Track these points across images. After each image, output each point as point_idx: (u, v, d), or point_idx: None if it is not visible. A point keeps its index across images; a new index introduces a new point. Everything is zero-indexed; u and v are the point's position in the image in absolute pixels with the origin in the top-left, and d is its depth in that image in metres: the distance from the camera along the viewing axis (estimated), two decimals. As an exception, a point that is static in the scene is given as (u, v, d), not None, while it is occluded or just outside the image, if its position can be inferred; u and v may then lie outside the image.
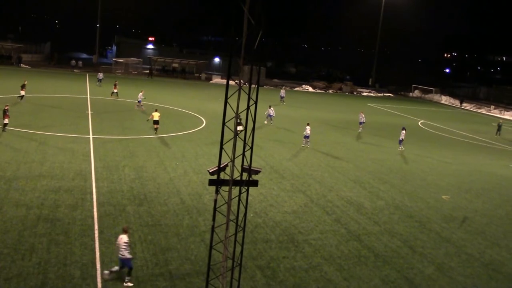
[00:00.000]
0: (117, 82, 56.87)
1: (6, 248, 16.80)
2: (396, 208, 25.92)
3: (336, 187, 28.38)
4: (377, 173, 32.52)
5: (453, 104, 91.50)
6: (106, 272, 15.69)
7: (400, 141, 40.83)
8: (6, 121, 33.19)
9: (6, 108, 33.68)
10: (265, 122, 46.01)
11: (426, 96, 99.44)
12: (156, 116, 37.47)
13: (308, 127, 38.63)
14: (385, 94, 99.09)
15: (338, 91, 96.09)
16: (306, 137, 38.54)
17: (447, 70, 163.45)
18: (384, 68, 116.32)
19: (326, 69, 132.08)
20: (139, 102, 48.49)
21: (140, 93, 48.84)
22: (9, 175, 24.02)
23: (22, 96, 45.06)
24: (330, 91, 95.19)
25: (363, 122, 49.32)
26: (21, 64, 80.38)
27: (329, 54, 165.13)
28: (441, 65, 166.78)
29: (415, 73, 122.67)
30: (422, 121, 62.54)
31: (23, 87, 45.37)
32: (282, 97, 65.03)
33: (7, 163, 25.77)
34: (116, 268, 15.78)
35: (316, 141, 41.47)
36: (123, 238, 15.76)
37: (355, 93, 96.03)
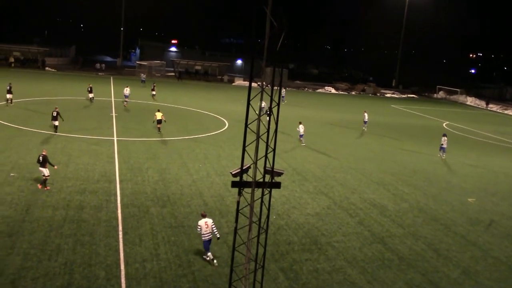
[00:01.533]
0: (155, 84, 59.80)
1: (33, 249, 17.11)
2: (420, 210, 25.60)
3: (359, 189, 28.16)
4: (400, 175, 32.18)
5: (478, 105, 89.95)
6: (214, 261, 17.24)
7: (442, 148, 38.77)
8: (56, 123, 34.34)
9: (56, 110, 34.70)
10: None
11: (451, 97, 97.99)
12: (159, 116, 38.27)
13: (301, 126, 39.37)
14: (408, 95, 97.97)
15: (361, 93, 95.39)
16: (301, 135, 39.29)
17: (473, 71, 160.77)
18: (408, 69, 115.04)
19: (348, 71, 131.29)
20: (125, 97, 49.97)
21: (126, 88, 50.54)
22: (36, 177, 24.45)
23: (91, 98, 49.35)
24: (353, 93, 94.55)
25: (367, 121, 49.20)
26: (46, 68, 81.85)
27: (352, 55, 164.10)
28: (466, 65, 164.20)
29: (439, 74, 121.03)
30: (447, 122, 61.66)
31: (90, 90, 49.46)
32: (282, 97, 62.04)
33: (34, 165, 26.19)
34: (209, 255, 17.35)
35: (338, 143, 41.27)
36: (209, 221, 17.37)
37: (378, 94, 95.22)
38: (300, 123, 39.75)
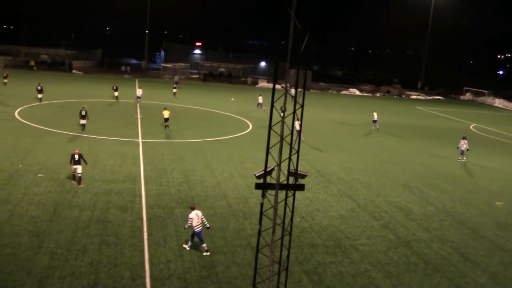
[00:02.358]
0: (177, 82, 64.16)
1: (60, 248, 17.39)
2: (446, 214, 25.19)
3: (384, 192, 27.87)
4: (426, 178, 31.74)
5: (507, 107, 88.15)
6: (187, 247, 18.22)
7: (460, 150, 37.77)
8: (83, 121, 36.06)
9: (84, 109, 36.43)
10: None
11: (478, 99, 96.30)
12: (166, 114, 39.66)
13: (296, 122, 38.69)
14: (434, 97, 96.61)
15: (386, 94, 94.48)
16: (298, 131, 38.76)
17: (501, 72, 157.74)
18: (434, 70, 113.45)
19: (373, 72, 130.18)
20: (138, 98, 52.14)
21: (139, 90, 53.16)
22: (62, 178, 24.87)
23: (116, 97, 52.31)
24: (378, 94, 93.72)
25: (376, 120, 49.11)
26: (73, 71, 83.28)
27: (376, 57, 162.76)
28: (494, 66, 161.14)
29: (466, 75, 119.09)
30: (474, 124, 60.61)
31: (116, 89, 52.72)
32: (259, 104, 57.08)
33: (61, 166, 26.68)
34: (190, 243, 18.27)
35: (362, 145, 40.95)
36: (199, 213, 18.15)
37: (403, 96, 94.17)
38: (298, 119, 39.28)
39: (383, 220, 23.39)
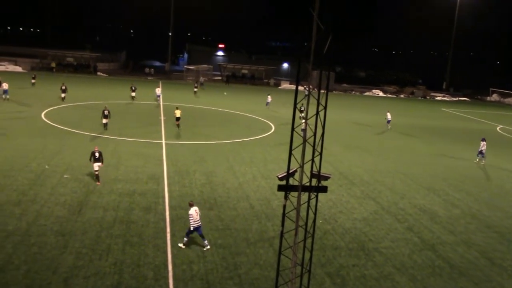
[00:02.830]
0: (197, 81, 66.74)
1: (85, 248, 17.62)
2: (472, 217, 24.77)
3: (408, 194, 27.54)
4: (451, 180, 31.26)
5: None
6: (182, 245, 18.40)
7: (480, 152, 37.03)
8: (106, 121, 37.33)
9: (106, 109, 37.78)
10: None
11: (505, 100, 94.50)
12: (178, 113, 40.60)
13: (302, 118, 40.18)
14: (460, 98, 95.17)
15: (410, 96, 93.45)
16: (303, 130, 39.11)
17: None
18: (459, 71, 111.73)
19: (397, 73, 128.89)
20: (158, 96, 54.95)
21: (158, 89, 56.21)
22: (87, 179, 25.21)
23: (133, 97, 54.12)
24: (402, 96, 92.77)
25: (390, 120, 49.54)
26: (98, 73, 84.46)
27: (400, 58, 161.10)
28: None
29: (493, 76, 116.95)
30: (501, 126, 59.50)
31: (133, 89, 54.61)
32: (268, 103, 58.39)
33: (86, 167, 27.04)
34: (186, 240, 18.49)
35: (386, 147, 40.58)
36: (197, 209, 18.51)
37: (428, 97, 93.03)
38: (301, 117, 40.84)
39: (407, 223, 23.11)
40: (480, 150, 37.03)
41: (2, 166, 26.11)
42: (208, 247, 18.46)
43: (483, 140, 37.51)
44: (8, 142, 31.11)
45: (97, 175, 24.76)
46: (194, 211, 18.35)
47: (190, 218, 18.26)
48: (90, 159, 24.96)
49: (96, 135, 35.30)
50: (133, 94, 54.60)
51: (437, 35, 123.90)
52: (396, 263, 18.75)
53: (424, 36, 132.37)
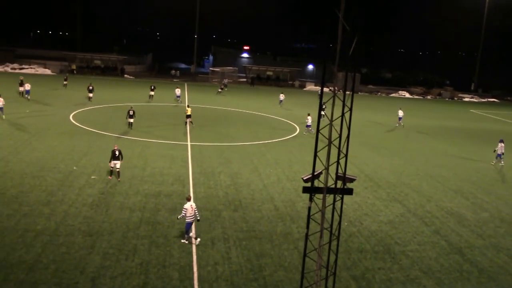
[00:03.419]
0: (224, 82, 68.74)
1: (112, 248, 17.86)
2: (502, 220, 24.25)
3: (435, 197, 27.14)
4: (480, 183, 30.68)
5: None
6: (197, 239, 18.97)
7: (499, 155, 36.08)
8: (131, 120, 38.93)
9: (132, 109, 39.53)
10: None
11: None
12: (189, 111, 42.06)
13: (309, 117, 42.38)
14: (489, 99, 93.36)
15: (437, 97, 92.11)
16: (308, 126, 42.51)
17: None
18: (488, 71, 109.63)
19: (424, 74, 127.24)
20: (178, 97, 56.63)
21: (178, 89, 57.82)
22: (114, 180, 25.55)
23: (151, 96, 56.03)
24: (429, 97, 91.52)
25: (401, 118, 50.63)
26: (125, 75, 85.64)
27: (427, 58, 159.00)
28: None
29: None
30: (532, 127, 58.13)
31: (152, 89, 56.47)
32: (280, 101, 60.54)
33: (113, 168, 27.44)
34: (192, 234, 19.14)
35: (413, 149, 40.06)
36: (193, 205, 19.10)
37: (455, 98, 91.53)
38: (308, 114, 42.84)
39: (434, 226, 22.77)
40: (498, 152, 36.03)
41: (33, 167, 26.68)
42: (199, 239, 18.99)
43: (501, 141, 36.59)
44: (39, 143, 31.76)
45: (118, 172, 25.59)
46: (189, 206, 18.95)
47: (183, 212, 18.90)
48: (110, 160, 25.69)
49: (123, 136, 35.77)
50: (152, 93, 56.34)
51: (465, 35, 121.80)
52: (423, 267, 18.48)
53: (452, 36, 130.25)
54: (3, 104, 39.71)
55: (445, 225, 22.98)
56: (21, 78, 53.00)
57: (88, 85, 52.50)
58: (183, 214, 18.89)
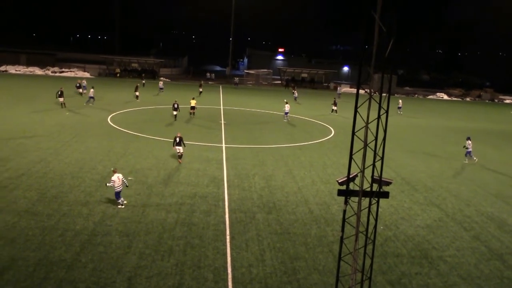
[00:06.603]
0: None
1: (148, 249, 18.11)
2: (545, 226, 23.44)
3: (474, 201, 26.46)
4: (522, 188, 29.75)
5: None
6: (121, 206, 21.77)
7: (468, 153, 35.60)
8: (175, 113, 44.23)
9: (176, 102, 44.76)
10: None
11: None
12: (193, 103, 46.87)
13: (287, 105, 48.71)
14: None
15: (477, 99, 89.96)
16: (286, 113, 48.51)
17: None
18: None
19: (463, 76, 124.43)
20: (200, 92, 64.26)
21: (200, 88, 66.87)
22: (150, 181, 25.93)
23: (200, 93, 64.57)
24: (468, 99, 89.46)
25: (401, 107, 54.25)
26: (161, 78, 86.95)
27: (466, 59, 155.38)
28: None
29: None
30: None
31: (161, 83, 64.04)
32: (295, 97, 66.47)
33: (149, 170, 27.86)
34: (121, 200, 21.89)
35: (451, 151, 39.20)
36: (120, 176, 21.76)
37: (496, 100, 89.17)
38: (286, 102, 49.76)
39: (474, 231, 22.20)
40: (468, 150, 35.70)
41: (73, 168, 27.34)
42: (124, 205, 21.90)
43: (468, 139, 36.11)
44: (79, 145, 32.54)
45: (180, 155, 29.75)
46: (117, 178, 21.53)
47: (111, 183, 21.52)
48: (173, 144, 29.81)
49: (159, 139, 36.27)
50: (200, 89, 66.54)
51: (505, 35, 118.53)
52: (462, 273, 18.04)
53: (492, 36, 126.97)
54: (94, 95, 50.73)
55: (485, 230, 22.38)
56: (79, 82, 59.92)
57: (136, 84, 60.10)
58: (111, 185, 21.57)
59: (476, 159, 36.15)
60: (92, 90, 51.28)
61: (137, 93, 56.49)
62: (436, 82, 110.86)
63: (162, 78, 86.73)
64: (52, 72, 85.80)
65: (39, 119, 40.41)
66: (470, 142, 35.85)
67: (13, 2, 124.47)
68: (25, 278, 15.36)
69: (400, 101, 58.56)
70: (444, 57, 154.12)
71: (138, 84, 61.15)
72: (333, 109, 56.12)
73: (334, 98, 59.91)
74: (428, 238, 21.04)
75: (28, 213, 20.54)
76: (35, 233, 18.64)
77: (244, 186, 26.32)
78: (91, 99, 50.45)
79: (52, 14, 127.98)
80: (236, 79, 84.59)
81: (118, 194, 21.83)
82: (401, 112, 57.09)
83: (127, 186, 22.65)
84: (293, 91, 67.09)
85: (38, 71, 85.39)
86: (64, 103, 46.92)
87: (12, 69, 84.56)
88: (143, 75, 75.59)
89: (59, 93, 46.91)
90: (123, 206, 21.86)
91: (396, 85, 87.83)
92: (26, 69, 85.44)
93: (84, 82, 60.33)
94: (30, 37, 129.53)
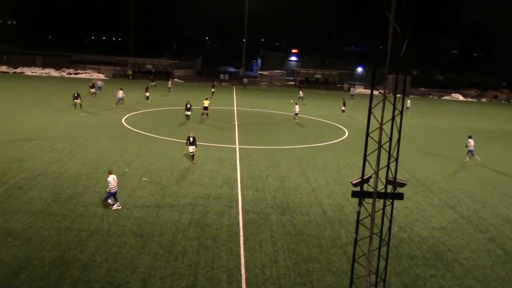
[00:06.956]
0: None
1: (162, 249, 18.20)
2: None
3: (490, 203, 26.17)
4: (539, 189, 29.35)
5: None
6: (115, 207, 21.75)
7: (469, 151, 35.54)
8: (188, 113, 45.12)
9: (189, 102, 45.67)
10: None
11: None
12: (206, 103, 47.15)
13: (297, 106, 49.32)
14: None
15: (493, 100, 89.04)
16: (296, 114, 49.04)
17: None
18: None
19: (478, 76, 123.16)
20: (213, 93, 64.81)
21: (212, 89, 67.02)
22: (164, 182, 26.05)
23: (213, 92, 65.26)
24: (483, 100, 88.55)
25: (409, 107, 55.08)
26: (175, 79, 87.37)
27: (482, 59, 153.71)
28: None
29: None
30: None
31: (169, 83, 64.25)
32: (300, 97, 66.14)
33: (163, 171, 27.99)
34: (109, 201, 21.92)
35: (465, 152, 38.81)
36: (115, 177, 21.98)
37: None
38: (296, 103, 50.38)
39: (490, 233, 21.96)
40: (469, 149, 35.52)
41: (87, 168, 27.58)
42: (120, 207, 21.84)
43: (470, 137, 35.88)
44: (94, 146, 32.81)
45: (192, 155, 30.05)
46: (112, 179, 21.69)
47: (109, 184, 21.52)
48: (186, 143, 30.18)
49: (171, 139, 36.43)
50: (213, 90, 66.44)
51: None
52: (478, 275, 17.85)
53: (508, 36, 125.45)
54: (123, 96, 51.63)
55: (501, 233, 22.12)
56: (93, 82, 61.06)
57: (147, 85, 61.83)
58: (110, 187, 21.61)
59: (479, 158, 35.78)
60: (120, 91, 51.67)
61: (147, 94, 57.24)
62: (450, 83, 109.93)
63: (175, 79, 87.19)
64: (67, 73, 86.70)
65: (55, 120, 40.83)
66: (471, 140, 35.61)
67: (29, 5, 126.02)
68: (41, 278, 15.52)
69: (409, 101, 58.56)
70: (459, 57, 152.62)
71: (149, 85, 62.49)
72: (343, 110, 56.14)
73: (343, 99, 59.64)
74: (443, 240, 20.86)
75: (44, 213, 20.76)
76: (50, 233, 18.82)
77: (257, 187, 26.32)
78: (120, 100, 51.14)
79: (68, 17, 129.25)
80: (245, 79, 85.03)
81: (114, 195, 21.88)
82: (409, 113, 56.91)
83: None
84: (300, 91, 68.04)
85: (53, 72, 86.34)
86: (81, 104, 47.38)
87: (28, 71, 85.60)
88: (152, 77, 76.74)
89: (76, 95, 47.37)
90: (119, 207, 21.84)
91: (410, 86, 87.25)
92: (42, 71, 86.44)
93: (99, 83, 61.01)
94: (46, 39, 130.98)
